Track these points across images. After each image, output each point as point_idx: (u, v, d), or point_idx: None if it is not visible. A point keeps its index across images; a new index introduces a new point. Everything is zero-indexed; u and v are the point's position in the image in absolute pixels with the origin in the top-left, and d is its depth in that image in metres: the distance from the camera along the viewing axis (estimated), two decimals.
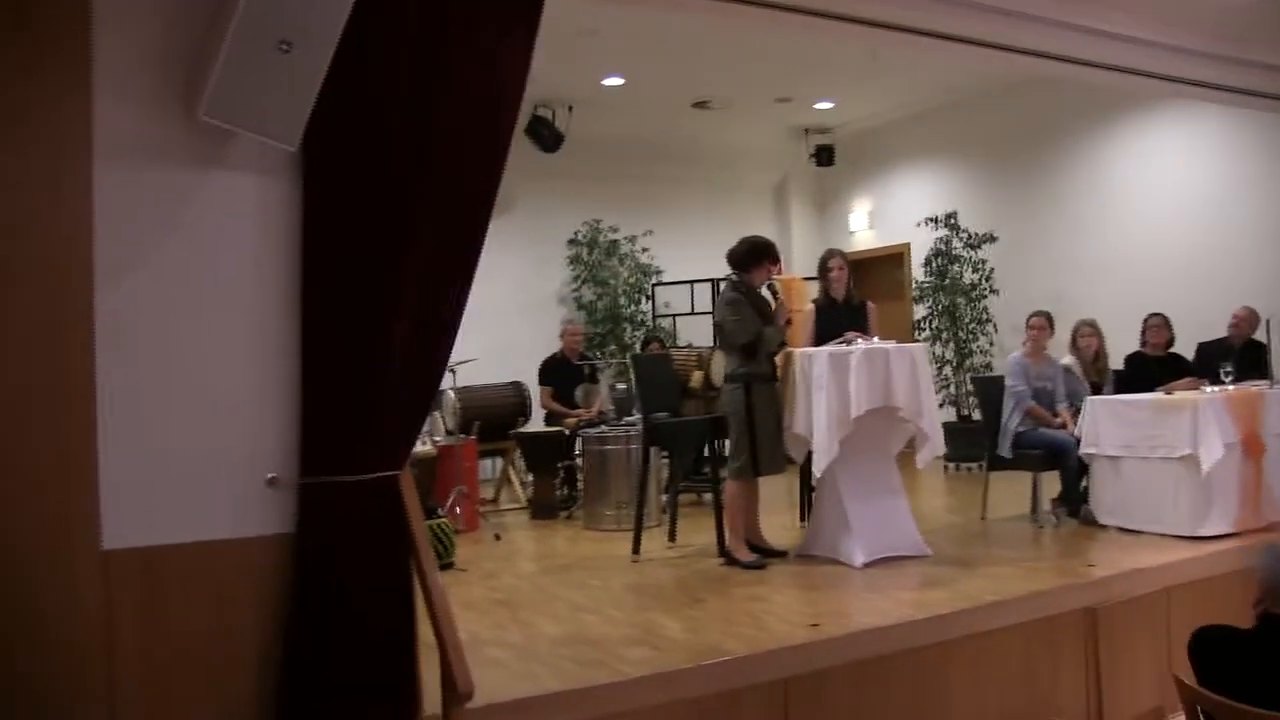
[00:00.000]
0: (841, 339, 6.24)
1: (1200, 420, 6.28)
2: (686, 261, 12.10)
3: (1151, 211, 9.85)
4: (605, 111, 10.81)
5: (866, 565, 5.84)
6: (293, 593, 3.30)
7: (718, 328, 6.09)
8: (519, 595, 5.62)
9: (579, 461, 8.91)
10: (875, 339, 6.23)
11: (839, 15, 5.34)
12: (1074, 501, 7.00)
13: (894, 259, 12.22)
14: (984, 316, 10.80)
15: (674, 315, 12.18)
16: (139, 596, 3.12)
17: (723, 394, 6.22)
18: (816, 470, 5.98)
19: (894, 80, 10.62)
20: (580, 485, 8.86)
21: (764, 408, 6.09)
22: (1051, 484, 7.23)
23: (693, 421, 6.89)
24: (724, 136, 12.25)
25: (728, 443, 6.28)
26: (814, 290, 7.02)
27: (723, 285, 6.28)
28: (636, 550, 6.46)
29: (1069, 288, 10.11)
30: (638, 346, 11.56)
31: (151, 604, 3.14)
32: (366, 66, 3.32)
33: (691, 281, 11.96)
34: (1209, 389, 6.72)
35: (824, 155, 12.66)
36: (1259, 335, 7.90)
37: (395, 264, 3.39)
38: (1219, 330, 8.09)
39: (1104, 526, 6.74)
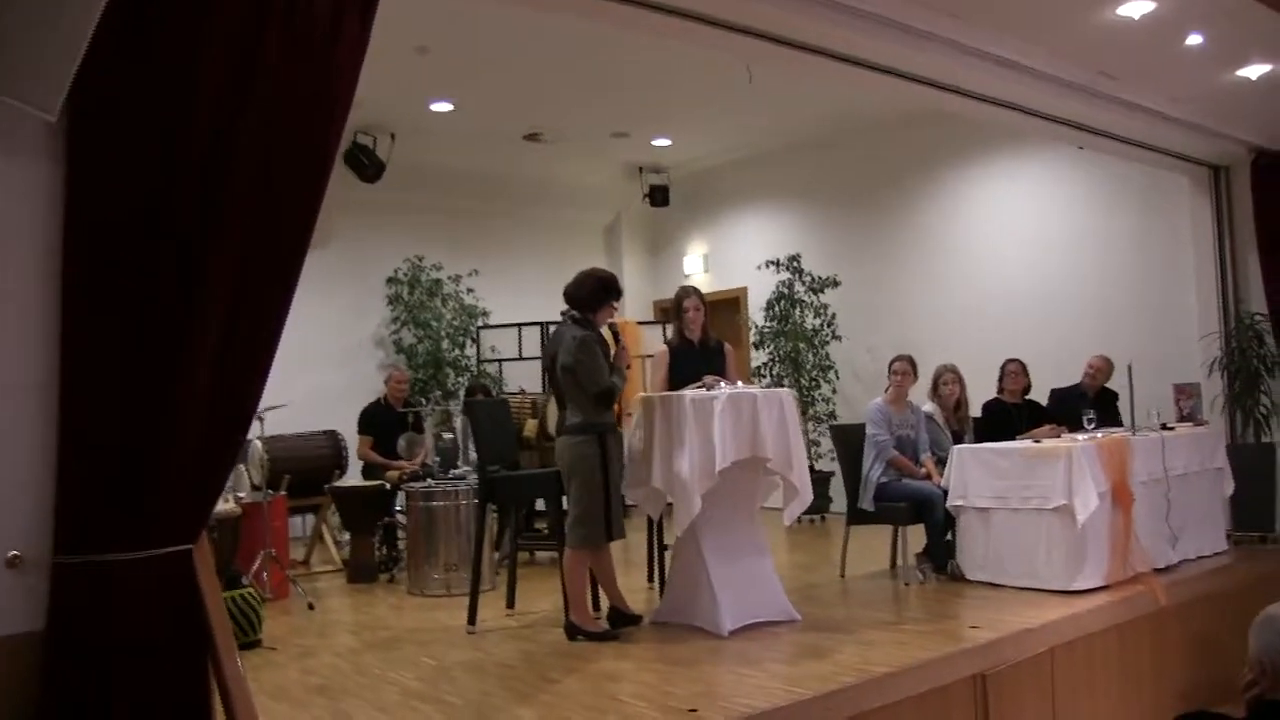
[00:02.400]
0: (699, 383, 5.68)
1: (1075, 470, 5.98)
2: (512, 304, 11.46)
3: (1001, 256, 9.73)
4: (431, 140, 10.09)
5: (733, 633, 5.27)
6: (41, 713, 2.47)
7: (566, 371, 5.35)
8: (340, 679, 4.80)
9: (400, 518, 8.11)
10: (739, 383, 5.69)
11: (718, 21, 4.81)
12: (940, 556, 6.61)
13: (730, 304, 11.82)
14: (826, 363, 10.48)
15: (500, 360, 11.46)
16: None
17: (566, 447, 5.43)
18: (678, 528, 5.37)
19: (736, 119, 10.27)
20: (401, 544, 8.06)
21: (615, 463, 5.46)
22: (912, 537, 6.83)
23: (538, 475, 6.19)
24: (555, 172, 11.70)
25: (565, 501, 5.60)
26: (648, 335, 6.43)
27: (562, 324, 5.57)
28: (473, 620, 5.71)
29: (913, 333, 9.89)
30: (461, 394, 10.83)
31: None
32: (158, 21, 2.58)
33: (519, 324, 11.28)
34: (1080, 437, 6.45)
35: (659, 195, 12.21)
36: (1113, 383, 7.75)
37: (190, 280, 2.64)
38: (1065, 375, 7.91)
39: (972, 582, 6.38)
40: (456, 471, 7.89)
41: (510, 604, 6.10)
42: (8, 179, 2.50)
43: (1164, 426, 7.20)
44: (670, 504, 5.55)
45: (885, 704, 4.38)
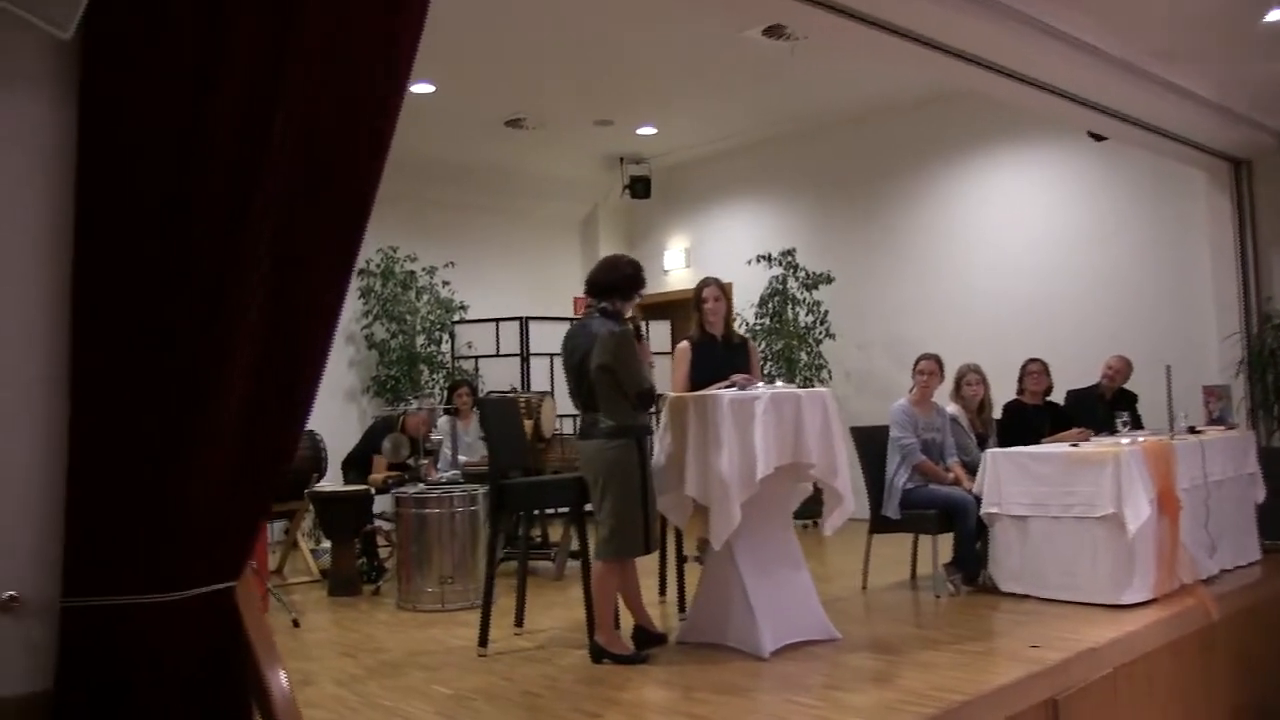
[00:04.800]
0: (726, 382, 5.21)
1: (1124, 476, 5.59)
2: (487, 297, 11.00)
3: (1003, 251, 9.36)
4: (409, 123, 9.36)
5: (773, 654, 4.81)
6: None
7: (603, 371, 4.81)
8: (348, 714, 4.26)
9: (381, 525, 7.57)
10: (779, 382, 5.24)
11: None
12: (972, 566, 6.19)
13: None
14: (819, 362, 10.06)
15: (477, 357, 10.90)
16: None
17: (599, 451, 4.89)
18: (715, 541, 4.89)
19: (726, 107, 9.87)
20: (383, 553, 7.53)
21: (649, 468, 4.97)
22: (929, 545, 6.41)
23: (558, 482, 5.66)
24: (535, 161, 11.19)
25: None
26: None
27: (587, 318, 5.05)
28: (484, 641, 5.19)
29: (907, 331, 9.53)
30: (438, 391, 10.29)
31: None
32: None
33: (497, 319, 10.75)
34: (1123, 440, 6.06)
35: (639, 186, 11.71)
36: (1133, 383, 7.40)
37: (228, 256, 2.12)
38: (1071, 375, 7.53)
39: (1005, 594, 5.98)
40: (445, 476, 7.40)
41: (519, 621, 5.59)
42: (18, 119, 1.94)
43: (1191, 430, 6.86)
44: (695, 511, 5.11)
45: None
